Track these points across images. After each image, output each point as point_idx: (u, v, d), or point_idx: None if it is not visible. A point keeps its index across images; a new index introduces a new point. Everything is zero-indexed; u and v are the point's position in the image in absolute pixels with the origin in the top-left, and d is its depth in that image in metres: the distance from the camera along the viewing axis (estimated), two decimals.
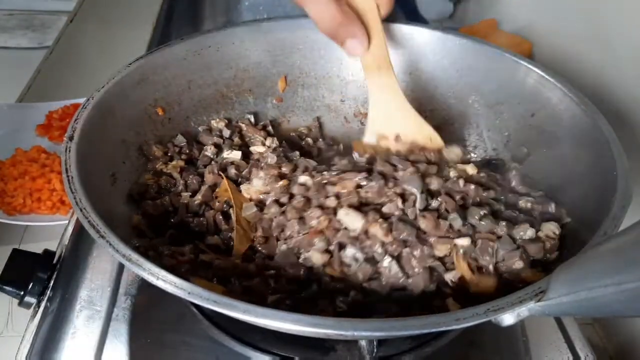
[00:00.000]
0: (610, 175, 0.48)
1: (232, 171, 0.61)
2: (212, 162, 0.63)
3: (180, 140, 0.65)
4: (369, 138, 0.62)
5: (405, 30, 0.70)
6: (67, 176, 0.47)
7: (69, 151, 0.49)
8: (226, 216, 0.56)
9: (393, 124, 0.62)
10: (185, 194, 0.59)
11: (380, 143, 0.62)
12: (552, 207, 0.54)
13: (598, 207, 0.47)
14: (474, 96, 0.68)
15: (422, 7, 1.18)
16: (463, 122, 0.70)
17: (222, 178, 0.59)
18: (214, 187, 0.59)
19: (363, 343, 0.48)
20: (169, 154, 0.63)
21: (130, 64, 0.62)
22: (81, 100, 0.56)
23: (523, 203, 0.55)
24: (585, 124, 0.55)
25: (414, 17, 1.16)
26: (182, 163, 0.62)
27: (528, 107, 0.63)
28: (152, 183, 0.59)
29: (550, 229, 0.51)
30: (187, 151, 0.65)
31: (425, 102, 0.72)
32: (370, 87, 0.62)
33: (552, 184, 0.58)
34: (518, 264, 0.48)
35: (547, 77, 0.61)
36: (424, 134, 0.61)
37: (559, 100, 0.59)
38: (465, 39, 0.68)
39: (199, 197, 0.58)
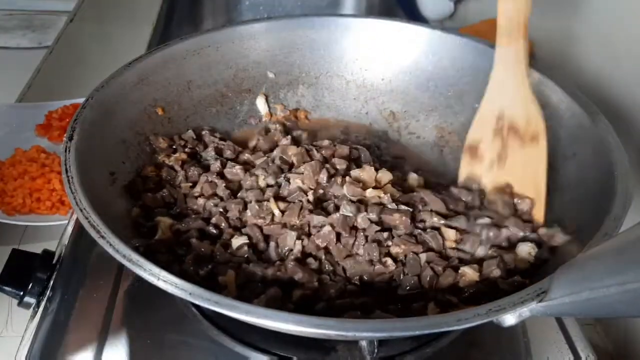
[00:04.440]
0: (610, 175, 0.48)
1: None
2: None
3: (190, 134, 0.66)
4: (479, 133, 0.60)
5: (406, 29, 0.70)
6: (67, 176, 0.47)
7: (69, 151, 0.49)
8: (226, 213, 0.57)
9: (508, 100, 0.57)
10: (185, 184, 0.59)
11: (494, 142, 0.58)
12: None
13: (599, 207, 0.47)
14: (475, 95, 0.68)
15: (422, 7, 1.18)
16: (463, 122, 0.69)
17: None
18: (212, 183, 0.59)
19: (364, 343, 0.48)
20: (174, 147, 0.64)
21: (130, 63, 0.62)
22: (81, 100, 0.56)
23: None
24: (585, 124, 0.55)
25: (415, 16, 1.16)
26: (184, 156, 0.62)
27: None
28: (153, 175, 0.60)
29: (525, 250, 0.51)
30: (191, 146, 0.65)
31: (425, 101, 0.72)
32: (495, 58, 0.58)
33: (552, 184, 0.58)
34: (495, 272, 0.49)
35: (547, 77, 0.61)
36: (528, 114, 0.56)
37: (560, 100, 0.59)
38: (465, 38, 0.68)
39: (198, 189, 0.58)
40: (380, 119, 0.74)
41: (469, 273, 0.49)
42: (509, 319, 0.37)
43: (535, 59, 0.64)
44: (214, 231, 0.54)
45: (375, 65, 0.73)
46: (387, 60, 0.72)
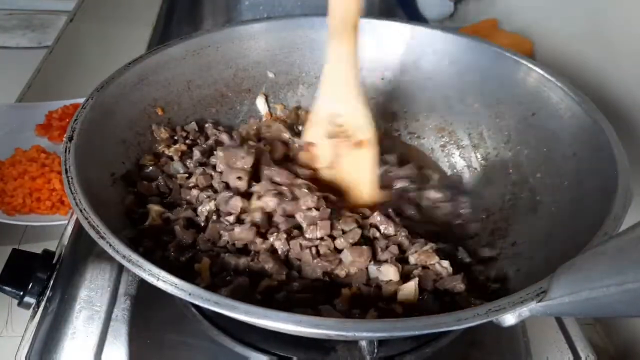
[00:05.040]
0: (610, 175, 0.48)
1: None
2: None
3: (192, 126, 0.66)
4: (320, 120, 0.58)
5: (406, 29, 0.70)
6: (67, 176, 0.47)
7: (69, 152, 0.49)
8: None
9: (340, 101, 0.57)
10: (182, 175, 0.60)
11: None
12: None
13: (599, 207, 0.47)
14: (475, 95, 0.68)
15: (422, 7, 1.18)
16: (463, 122, 0.70)
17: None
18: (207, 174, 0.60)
19: (363, 343, 0.48)
20: (175, 137, 0.65)
21: (129, 64, 0.62)
22: (81, 100, 0.56)
23: None
24: (585, 123, 0.55)
25: (415, 16, 1.16)
26: (184, 147, 0.63)
27: (529, 106, 0.63)
28: (151, 164, 0.61)
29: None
30: (193, 138, 0.65)
31: (425, 101, 0.72)
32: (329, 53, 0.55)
33: (552, 184, 0.58)
34: (459, 287, 0.48)
35: (547, 76, 0.61)
36: (358, 122, 0.57)
37: (560, 99, 0.59)
38: (465, 38, 0.68)
39: (193, 180, 0.59)
40: (380, 119, 0.74)
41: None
42: (509, 319, 0.37)
43: (535, 59, 0.64)
44: (204, 222, 0.55)
45: (375, 65, 0.72)
46: (387, 60, 0.72)
